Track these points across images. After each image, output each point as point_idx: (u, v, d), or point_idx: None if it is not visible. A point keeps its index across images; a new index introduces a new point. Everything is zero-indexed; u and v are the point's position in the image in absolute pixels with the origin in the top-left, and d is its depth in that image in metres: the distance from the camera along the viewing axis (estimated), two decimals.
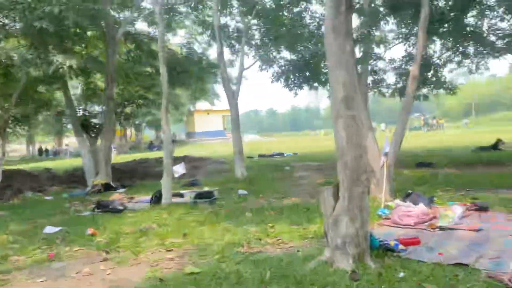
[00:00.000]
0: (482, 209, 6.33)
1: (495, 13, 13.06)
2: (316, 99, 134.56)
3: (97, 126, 14.27)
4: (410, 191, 7.56)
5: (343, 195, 4.14)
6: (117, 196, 9.73)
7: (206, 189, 10.43)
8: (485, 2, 12.77)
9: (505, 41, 13.14)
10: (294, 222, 6.30)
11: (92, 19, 11.62)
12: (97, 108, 18.41)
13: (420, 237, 5.03)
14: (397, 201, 6.95)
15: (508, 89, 69.86)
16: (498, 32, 13.29)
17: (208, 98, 47.89)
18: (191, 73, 15.92)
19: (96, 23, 12.88)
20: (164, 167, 8.68)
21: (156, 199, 8.73)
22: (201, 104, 51.93)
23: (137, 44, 14.80)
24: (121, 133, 41.18)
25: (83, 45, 14.97)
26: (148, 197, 9.36)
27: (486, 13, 13.00)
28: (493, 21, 13.32)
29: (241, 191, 9.74)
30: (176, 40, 31.60)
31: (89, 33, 14.46)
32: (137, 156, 24.88)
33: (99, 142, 13.48)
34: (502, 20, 12.99)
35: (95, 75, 17.42)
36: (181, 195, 9.59)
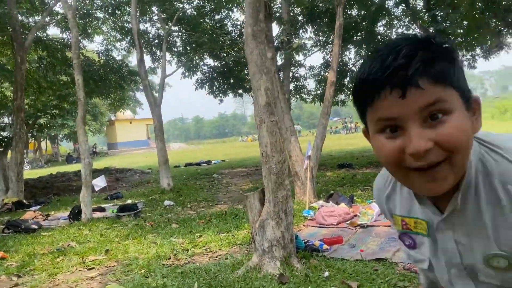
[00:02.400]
0: None
1: (401, 22, 14.22)
2: (242, 105, 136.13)
3: (6, 140, 13.10)
4: (332, 192, 7.88)
5: (268, 199, 4.18)
6: (30, 215, 8.96)
7: (129, 201, 10.03)
8: (392, 13, 13.84)
9: None
10: (222, 230, 6.26)
11: None
12: (6, 120, 16.99)
13: (343, 236, 5.24)
14: (321, 202, 7.20)
15: None
16: None
17: (129, 107, 46.23)
18: (110, 81, 15.31)
19: (2, 28, 11.91)
20: (83, 181, 8.18)
21: (75, 215, 8.19)
22: (123, 113, 50.00)
23: (49, 51, 13.89)
24: (35, 146, 38.28)
25: None
26: (66, 214, 8.77)
27: (394, 22, 14.10)
28: (400, 30, 14.47)
29: (167, 202, 9.48)
30: (93, 46, 30.17)
31: None
32: (54, 170, 23.22)
33: (9, 156, 12.37)
34: (408, 29, 14.16)
35: (3, 84, 16.08)
36: (103, 209, 9.10)
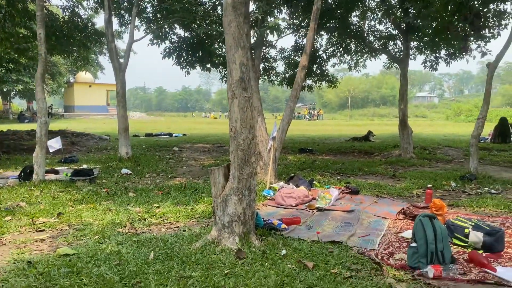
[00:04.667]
0: (354, 192, 6.96)
1: (375, 15, 14.40)
2: (207, 81, 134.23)
3: None
4: (292, 174, 7.98)
5: (233, 175, 4.16)
6: None
7: (85, 166, 9.73)
8: (367, 5, 13.98)
9: (381, 42, 14.56)
10: (180, 203, 6.21)
11: None
12: None
13: (301, 217, 5.34)
14: (281, 183, 7.28)
15: (378, 88, 78.12)
16: (376, 33, 14.68)
17: (91, 69, 44.45)
18: (74, 40, 14.55)
19: None
20: (38, 140, 7.81)
21: (26, 175, 7.84)
22: (83, 76, 47.97)
23: (10, 0, 12.95)
24: None
25: None
26: (16, 173, 8.39)
27: (368, 14, 14.25)
28: (372, 23, 14.66)
29: (125, 170, 9.28)
30: (57, 1, 28.54)
31: None
32: (5, 127, 22.08)
33: None
34: (380, 23, 14.37)
35: None
36: (56, 172, 8.76)
